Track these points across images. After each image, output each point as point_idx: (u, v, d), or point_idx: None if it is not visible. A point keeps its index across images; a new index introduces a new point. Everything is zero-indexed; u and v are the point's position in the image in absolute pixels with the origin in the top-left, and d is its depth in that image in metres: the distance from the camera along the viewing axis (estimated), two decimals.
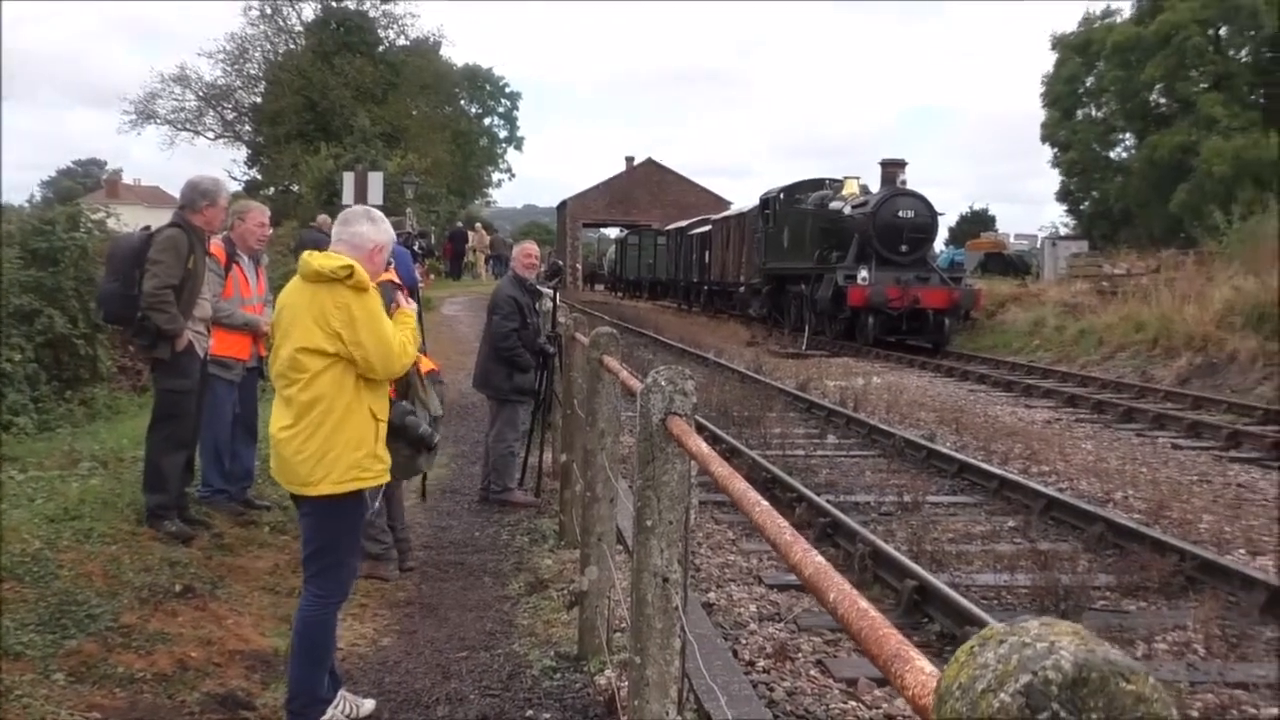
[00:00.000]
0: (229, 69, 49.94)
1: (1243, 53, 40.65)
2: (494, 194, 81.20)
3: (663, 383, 3.15)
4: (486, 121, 75.08)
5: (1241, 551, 7.95)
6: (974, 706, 0.93)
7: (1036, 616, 1.02)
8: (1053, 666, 0.91)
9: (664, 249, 51.10)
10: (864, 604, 1.45)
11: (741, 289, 35.57)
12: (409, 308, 4.95)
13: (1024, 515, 8.91)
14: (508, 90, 77.34)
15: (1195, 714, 4.95)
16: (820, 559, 1.68)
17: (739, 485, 2.22)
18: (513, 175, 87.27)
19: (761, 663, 5.62)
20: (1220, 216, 23.49)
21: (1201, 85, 39.68)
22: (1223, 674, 5.46)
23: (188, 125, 50.17)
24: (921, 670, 1.21)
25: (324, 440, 4.20)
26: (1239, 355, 18.45)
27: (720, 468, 2.44)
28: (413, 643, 5.69)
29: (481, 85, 73.25)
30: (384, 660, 5.42)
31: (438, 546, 7.68)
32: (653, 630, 3.14)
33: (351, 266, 4.22)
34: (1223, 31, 40.19)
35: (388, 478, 4.44)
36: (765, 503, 2.05)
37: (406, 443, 4.55)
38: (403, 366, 4.39)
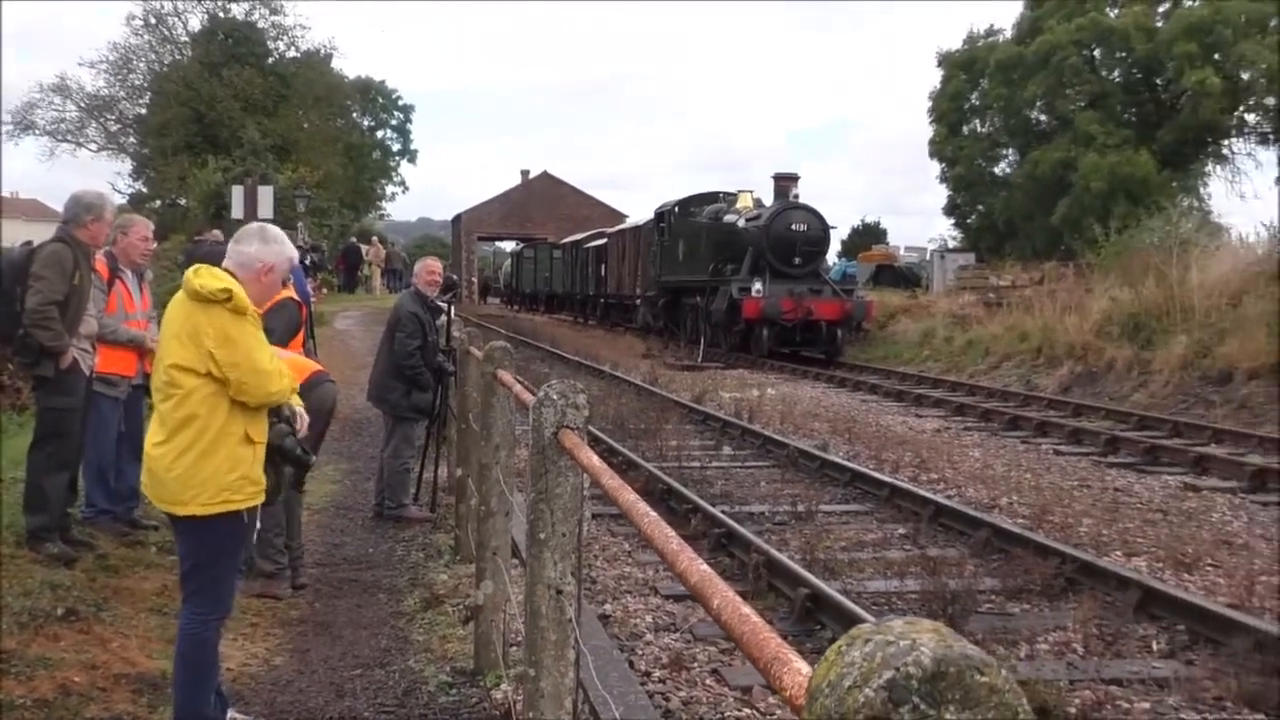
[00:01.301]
0: (112, 79, 48.71)
1: (1115, 73, 42.06)
2: (388, 207, 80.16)
3: (555, 396, 3.17)
4: (379, 134, 74.21)
5: (1118, 553, 8.23)
6: (841, 702, 0.98)
7: (902, 616, 1.08)
8: (913, 662, 0.97)
9: (560, 262, 51.14)
10: (746, 610, 1.50)
11: (638, 302, 35.74)
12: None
13: (914, 522, 9.11)
14: (401, 103, 76.56)
15: (1073, 710, 5.12)
16: (705, 567, 1.73)
17: (628, 497, 2.26)
18: (406, 188, 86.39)
19: (658, 673, 5.67)
20: (1098, 230, 24.27)
21: (1079, 103, 40.92)
22: (1099, 671, 5.66)
23: (69, 136, 48.81)
24: (798, 671, 1.25)
25: (195, 460, 4.11)
26: (1116, 364, 19.09)
27: (610, 480, 2.48)
28: (306, 661, 5.62)
29: (374, 98, 72.38)
30: (276, 680, 5.35)
31: (331, 564, 7.59)
32: (547, 642, 3.16)
33: (230, 290, 4.12)
34: (1097, 53, 41.53)
35: (261, 499, 4.37)
36: (654, 513, 2.10)
37: (284, 462, 4.51)
38: (279, 392, 4.31)
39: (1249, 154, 42.53)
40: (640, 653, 5.97)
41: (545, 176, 70.47)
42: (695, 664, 5.78)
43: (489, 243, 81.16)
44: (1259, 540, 8.78)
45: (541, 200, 67.84)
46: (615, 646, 5.80)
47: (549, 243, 56.14)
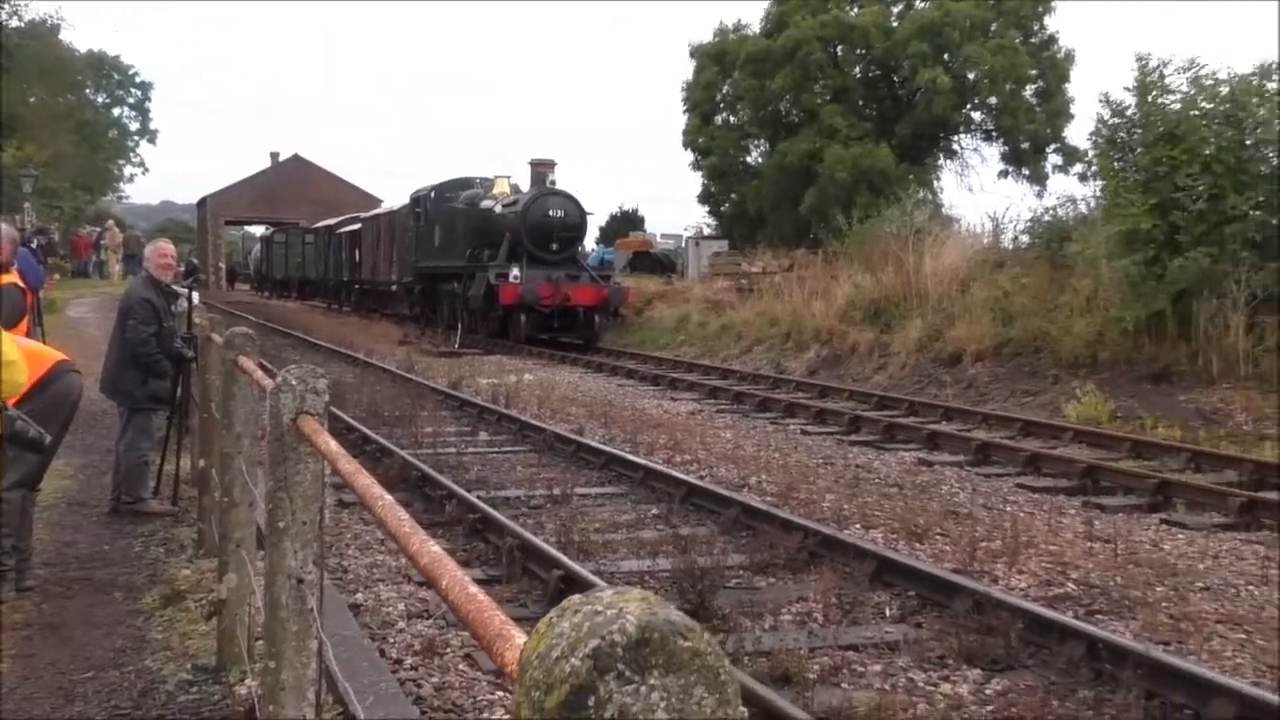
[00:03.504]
0: None
1: (856, 69, 43.98)
2: (127, 189, 76.01)
3: (294, 381, 3.10)
4: (116, 112, 70.15)
5: (857, 526, 8.64)
6: (549, 673, 1.00)
7: (613, 587, 1.11)
8: (618, 630, 0.99)
9: (312, 247, 49.86)
10: (473, 589, 1.51)
11: (394, 288, 35.15)
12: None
13: (667, 503, 9.31)
14: (138, 80, 72.50)
15: (813, 676, 5.36)
16: (436, 549, 1.73)
17: (364, 481, 2.23)
18: (147, 170, 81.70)
19: (410, 660, 5.61)
20: (842, 219, 25.34)
21: (824, 97, 42.57)
22: (837, 638, 5.95)
23: None
24: (518, 646, 1.27)
25: None
26: (859, 347, 20.04)
27: (347, 464, 2.44)
28: (31, 666, 5.29)
29: (108, 73, 68.32)
30: None
31: (61, 563, 7.16)
32: (288, 633, 3.09)
33: None
34: (839, 50, 43.31)
35: None
36: (389, 497, 2.08)
37: (18, 447, 4.26)
38: (25, 381, 4.08)
39: (975, 149, 45.25)
40: (392, 640, 5.90)
41: (296, 159, 68.34)
42: (448, 649, 5.75)
43: (237, 227, 78.13)
44: (981, 509, 9.39)
45: (293, 184, 65.74)
46: (366, 635, 5.71)
47: (301, 227, 54.55)
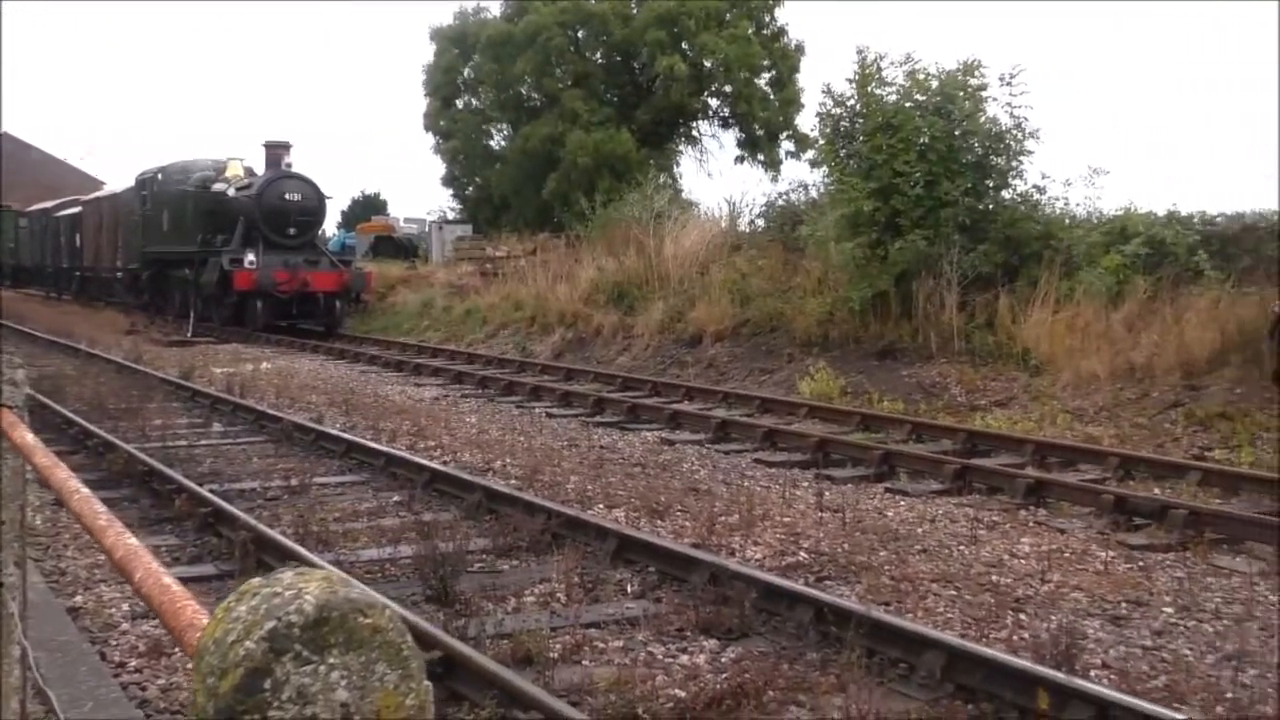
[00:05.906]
0: None
1: (597, 55, 44.40)
2: None
3: None
4: None
5: (601, 506, 8.76)
6: (224, 658, 0.98)
7: (294, 568, 1.10)
8: (296, 610, 0.99)
9: (27, 232, 46.82)
10: (167, 581, 1.47)
11: (119, 274, 33.34)
12: None
13: (409, 490, 9.20)
14: None
15: (554, 655, 5.42)
16: (133, 542, 1.67)
17: (60, 475, 2.13)
18: None
19: (134, 662, 5.36)
20: (585, 203, 25.58)
21: (566, 82, 42.78)
22: (579, 617, 6.02)
23: None
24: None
25: None
26: (603, 329, 20.33)
27: (44, 459, 2.32)
28: None
29: None
30: None
31: None
32: None
33: None
34: (580, 35, 43.62)
35: None
36: (85, 490, 1.99)
37: None
38: None
39: (713, 136, 46.40)
40: (115, 643, 5.62)
41: (6, 138, 63.63)
42: (176, 649, 5.52)
43: None
44: (720, 485, 9.70)
45: (4, 164, 61.22)
46: (86, 639, 5.42)
47: (13, 210, 50.99)
